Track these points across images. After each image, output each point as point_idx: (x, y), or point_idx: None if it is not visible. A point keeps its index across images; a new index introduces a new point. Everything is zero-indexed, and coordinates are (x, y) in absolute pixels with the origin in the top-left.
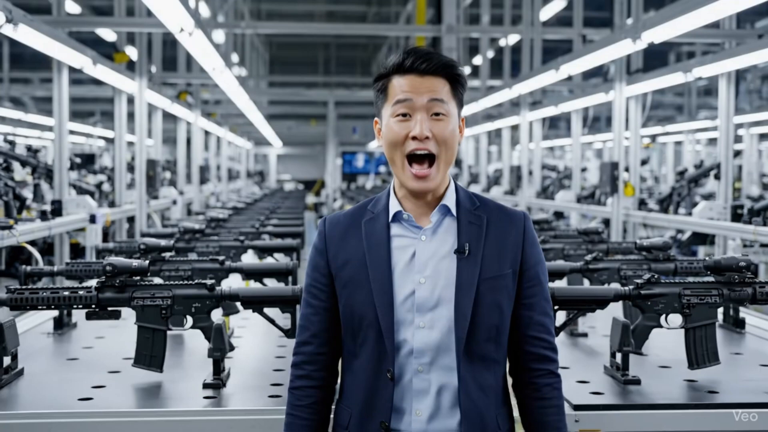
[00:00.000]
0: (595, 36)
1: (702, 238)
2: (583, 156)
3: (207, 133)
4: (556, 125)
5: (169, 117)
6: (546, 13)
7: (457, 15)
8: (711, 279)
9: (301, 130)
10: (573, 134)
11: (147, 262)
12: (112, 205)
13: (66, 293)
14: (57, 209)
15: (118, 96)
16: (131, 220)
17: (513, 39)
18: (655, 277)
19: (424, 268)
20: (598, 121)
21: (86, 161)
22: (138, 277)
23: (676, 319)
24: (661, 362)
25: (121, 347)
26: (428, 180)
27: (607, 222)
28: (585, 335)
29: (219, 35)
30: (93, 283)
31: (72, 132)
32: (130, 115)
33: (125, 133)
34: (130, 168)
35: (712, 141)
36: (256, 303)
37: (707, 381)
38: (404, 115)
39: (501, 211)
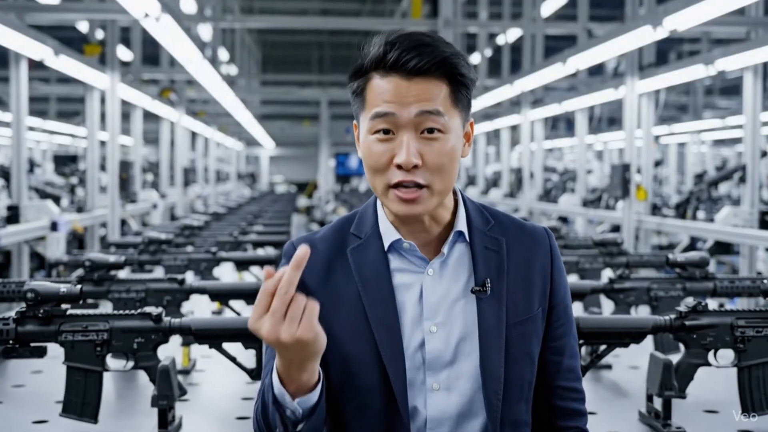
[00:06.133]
0: (600, 31)
1: (725, 248)
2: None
3: (194, 133)
4: (554, 126)
5: (153, 116)
6: (546, 10)
7: (454, 10)
8: None
9: (294, 130)
10: (577, 134)
11: (79, 287)
12: (80, 210)
13: None
14: (14, 216)
15: (89, 92)
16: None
17: (512, 36)
18: (702, 304)
19: (434, 313)
20: (600, 121)
21: (65, 162)
22: (68, 305)
23: (726, 354)
24: (705, 404)
25: (59, 386)
26: (418, 203)
27: (616, 228)
28: (609, 367)
29: (206, 30)
30: (12, 313)
31: (55, 132)
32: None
33: (98, 131)
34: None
35: (718, 142)
36: (212, 338)
37: None
38: (386, 131)
39: (520, 229)
